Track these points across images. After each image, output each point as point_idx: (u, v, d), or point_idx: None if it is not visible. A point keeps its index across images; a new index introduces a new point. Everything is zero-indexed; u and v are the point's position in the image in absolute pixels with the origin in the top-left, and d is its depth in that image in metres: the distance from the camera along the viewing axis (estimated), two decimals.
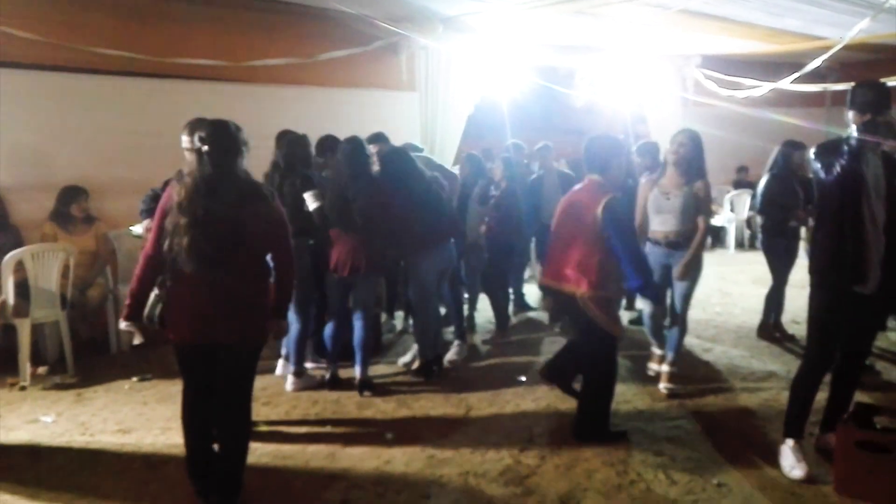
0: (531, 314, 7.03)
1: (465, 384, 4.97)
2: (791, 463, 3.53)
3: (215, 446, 3.25)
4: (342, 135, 4.96)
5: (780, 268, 5.82)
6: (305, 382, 4.88)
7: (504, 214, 6.03)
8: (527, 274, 7.89)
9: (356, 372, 4.78)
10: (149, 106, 6.25)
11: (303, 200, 4.61)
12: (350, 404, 4.59)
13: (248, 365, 3.22)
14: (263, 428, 4.19)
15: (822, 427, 3.78)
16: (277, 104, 6.81)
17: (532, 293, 7.43)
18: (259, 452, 3.79)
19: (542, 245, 7.10)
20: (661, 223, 4.64)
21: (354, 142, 4.70)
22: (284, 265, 3.21)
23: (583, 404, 4.05)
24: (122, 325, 3.23)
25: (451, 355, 5.46)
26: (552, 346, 5.93)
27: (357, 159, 4.62)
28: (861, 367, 3.82)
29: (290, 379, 4.87)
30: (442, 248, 4.91)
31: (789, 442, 3.60)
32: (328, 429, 4.24)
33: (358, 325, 4.75)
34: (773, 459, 3.65)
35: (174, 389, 4.88)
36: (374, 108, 7.44)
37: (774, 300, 5.92)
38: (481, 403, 4.59)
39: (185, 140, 3.47)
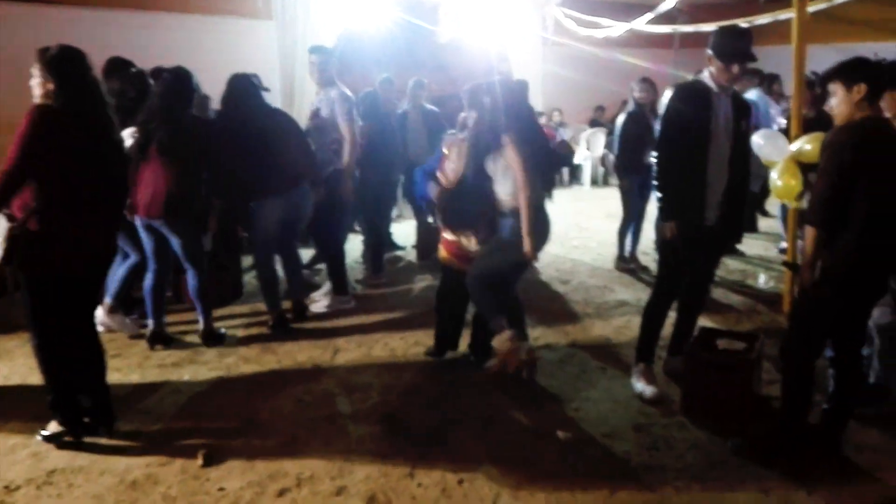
0: (399, 253, 7.02)
1: (332, 325, 4.89)
2: (642, 385, 3.75)
3: None
4: (190, 67, 4.54)
5: (630, 203, 6.12)
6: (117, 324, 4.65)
7: (370, 152, 5.86)
8: (394, 213, 7.83)
9: (199, 323, 4.53)
10: None
11: None
12: (209, 353, 4.39)
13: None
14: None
15: (670, 351, 4.04)
16: (115, 32, 6.18)
17: (399, 232, 7.41)
18: None
19: (410, 183, 7.05)
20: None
21: (177, 72, 4.27)
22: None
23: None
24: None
25: (320, 306, 5.24)
26: (420, 283, 5.97)
27: (174, 91, 4.21)
28: (703, 296, 4.09)
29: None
30: (288, 195, 4.53)
31: (640, 366, 3.83)
32: (186, 378, 4.04)
33: (190, 274, 4.44)
34: (626, 383, 3.87)
35: (11, 345, 4.49)
36: (225, 38, 6.95)
37: (625, 233, 6.24)
38: (349, 344, 4.54)
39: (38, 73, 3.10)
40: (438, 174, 4.00)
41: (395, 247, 7.11)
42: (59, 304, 3.18)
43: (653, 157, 3.72)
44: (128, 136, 4.25)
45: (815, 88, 5.37)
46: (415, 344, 4.51)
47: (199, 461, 3.13)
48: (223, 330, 4.67)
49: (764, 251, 6.83)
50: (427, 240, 6.56)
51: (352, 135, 5.05)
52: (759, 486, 2.91)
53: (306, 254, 6.32)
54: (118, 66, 4.80)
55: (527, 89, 4.82)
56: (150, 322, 4.49)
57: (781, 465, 3.02)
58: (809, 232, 2.91)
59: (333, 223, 5.33)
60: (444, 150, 4.03)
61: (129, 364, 4.23)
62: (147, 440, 3.35)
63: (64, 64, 3.06)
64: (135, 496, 2.92)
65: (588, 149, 11.62)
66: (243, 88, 4.48)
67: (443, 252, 4.10)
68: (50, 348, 3.22)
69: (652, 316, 3.85)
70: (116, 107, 4.42)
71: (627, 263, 6.26)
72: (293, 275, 4.87)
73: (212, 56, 5.80)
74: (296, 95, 7.17)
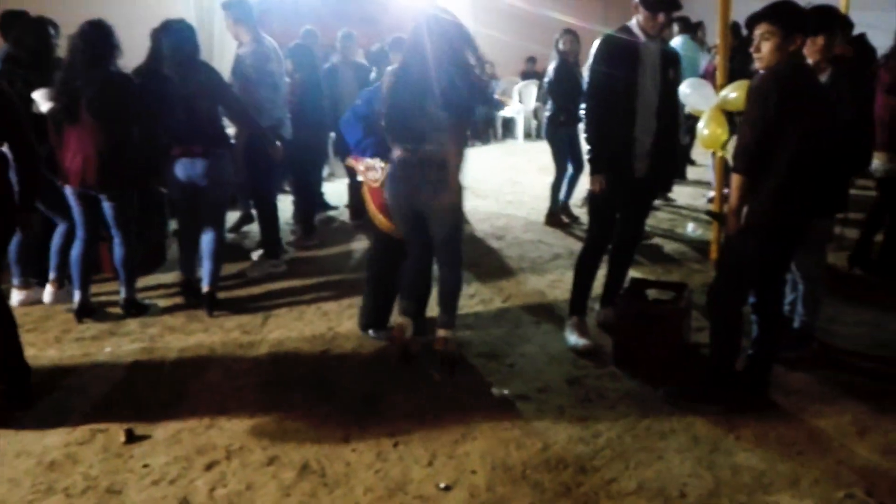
0: (331, 213, 6.87)
1: (262, 290, 4.75)
2: (575, 338, 3.77)
3: None
4: None
5: (562, 156, 6.10)
6: (63, 298, 4.39)
7: (300, 108, 5.64)
8: (326, 172, 7.64)
9: (121, 292, 4.31)
10: None
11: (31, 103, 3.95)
12: (132, 323, 4.20)
13: None
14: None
15: (602, 302, 4.07)
16: None
17: (331, 191, 7.25)
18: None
19: (342, 141, 6.83)
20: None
21: (98, 25, 3.96)
22: (21, 154, 3.19)
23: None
24: None
25: (252, 271, 5.07)
26: (354, 244, 5.86)
27: (97, 44, 3.91)
28: (634, 246, 4.12)
29: (49, 289, 4.40)
30: (193, 160, 4.18)
31: (573, 319, 3.84)
32: (107, 351, 3.86)
33: (116, 241, 4.20)
34: (560, 336, 3.88)
35: None
36: None
37: (559, 188, 6.23)
38: (280, 309, 4.42)
39: None
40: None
41: (327, 207, 6.95)
42: None
43: (581, 110, 3.68)
44: (40, 98, 3.96)
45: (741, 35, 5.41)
46: (349, 307, 4.42)
47: (122, 438, 2.99)
48: (147, 300, 4.47)
49: (693, 200, 6.96)
50: (360, 199, 6.41)
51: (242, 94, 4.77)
52: (689, 433, 2.96)
53: (232, 216, 6.14)
54: (17, 19, 4.47)
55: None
56: (77, 294, 4.25)
57: (710, 412, 3.08)
58: (735, 179, 2.93)
59: (259, 183, 5.14)
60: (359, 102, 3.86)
61: (45, 339, 4.02)
62: (66, 418, 3.18)
63: None
64: (53, 478, 2.77)
65: (520, 101, 11.56)
66: (183, 39, 4.12)
67: (372, 208, 3.81)
68: None
69: (583, 269, 3.85)
70: (16, 60, 4.17)
71: (560, 219, 6.26)
72: (206, 259, 4.36)
73: (121, 10, 5.40)
74: (215, 52, 6.83)
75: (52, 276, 4.40)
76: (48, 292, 4.40)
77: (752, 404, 3.15)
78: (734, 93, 4.15)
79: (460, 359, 3.66)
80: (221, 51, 6.88)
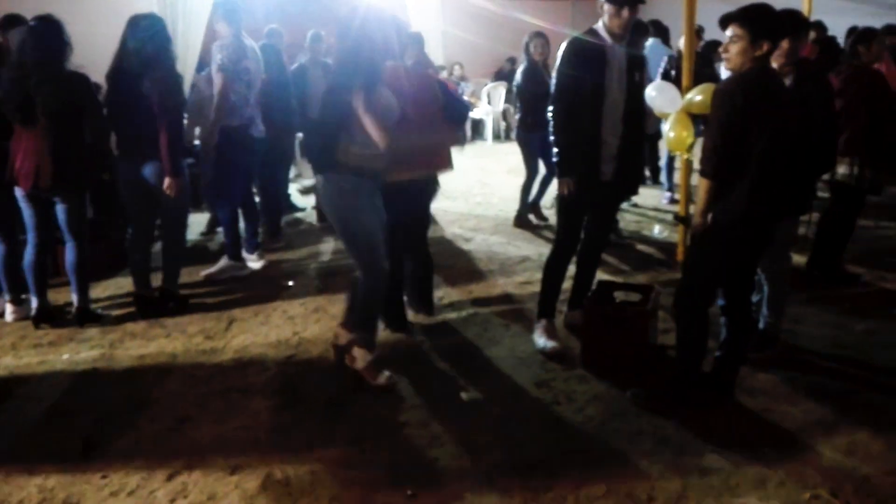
0: (298, 214, 6.79)
1: (227, 294, 4.66)
2: (543, 341, 3.75)
3: None
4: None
5: (533, 159, 6.09)
6: (28, 311, 4.22)
7: (267, 108, 5.54)
8: (292, 173, 7.55)
9: (73, 300, 4.18)
10: None
11: None
12: (91, 329, 4.09)
13: None
14: None
15: (570, 304, 4.06)
16: None
17: (298, 192, 7.17)
18: None
19: (310, 142, 6.74)
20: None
21: (46, 21, 3.81)
22: None
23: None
24: None
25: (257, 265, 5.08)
26: (321, 246, 5.79)
27: (47, 42, 3.77)
28: (601, 249, 4.12)
29: (9, 308, 4.24)
30: (142, 162, 4.03)
31: (542, 321, 3.83)
32: (65, 357, 3.75)
33: (69, 246, 4.07)
34: (528, 339, 3.86)
35: None
36: None
37: (529, 190, 6.22)
38: (245, 314, 4.34)
39: None
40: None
41: (294, 208, 6.87)
42: None
43: (549, 114, 3.66)
44: None
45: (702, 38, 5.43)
46: (315, 311, 4.36)
47: (79, 448, 2.90)
48: (100, 310, 4.34)
49: (658, 202, 7.01)
50: None
51: (223, 88, 4.72)
52: (657, 435, 2.96)
53: (203, 218, 6.03)
54: None
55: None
56: (34, 300, 4.12)
57: (678, 414, 3.08)
58: (702, 182, 2.93)
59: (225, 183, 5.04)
60: None
61: (1, 346, 3.90)
62: (22, 428, 3.09)
63: None
64: (7, 491, 2.68)
65: (489, 103, 11.57)
66: (146, 38, 3.92)
67: None
68: None
69: (552, 271, 3.84)
70: None
71: (527, 220, 6.26)
72: (163, 258, 4.36)
73: (87, 6, 5.26)
74: (179, 47, 6.67)
75: (8, 296, 4.24)
76: (9, 311, 4.25)
77: (719, 406, 3.17)
78: (699, 96, 4.18)
79: (360, 371, 3.38)
80: (185, 45, 6.73)
